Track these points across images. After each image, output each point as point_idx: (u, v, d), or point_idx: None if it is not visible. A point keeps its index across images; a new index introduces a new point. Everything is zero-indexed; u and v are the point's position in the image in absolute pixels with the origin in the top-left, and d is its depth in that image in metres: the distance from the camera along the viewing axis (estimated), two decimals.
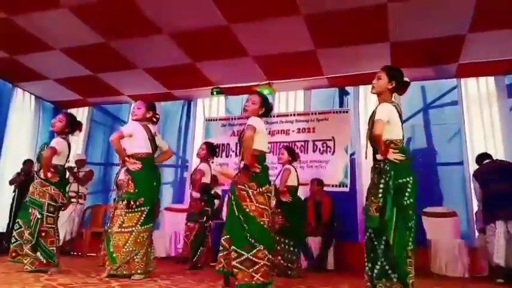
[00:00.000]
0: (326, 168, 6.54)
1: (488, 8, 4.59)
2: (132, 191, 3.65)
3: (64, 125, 4.09)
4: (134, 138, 3.80)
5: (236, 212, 3.18)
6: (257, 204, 3.14)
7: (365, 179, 6.34)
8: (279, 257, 4.49)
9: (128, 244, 3.53)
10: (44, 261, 3.73)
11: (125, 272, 3.47)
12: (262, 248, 3.03)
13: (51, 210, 3.87)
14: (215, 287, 3.22)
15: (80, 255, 6.45)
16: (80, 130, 4.36)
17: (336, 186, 6.38)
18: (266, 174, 3.31)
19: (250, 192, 3.17)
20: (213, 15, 5.01)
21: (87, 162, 7.34)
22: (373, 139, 2.91)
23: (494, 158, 5.33)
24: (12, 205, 6.37)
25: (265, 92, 6.33)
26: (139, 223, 3.60)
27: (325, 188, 6.06)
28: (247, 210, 3.12)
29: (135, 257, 3.52)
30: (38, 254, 3.74)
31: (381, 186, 2.79)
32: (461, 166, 6.19)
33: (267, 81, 6.84)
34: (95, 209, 7.09)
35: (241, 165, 3.28)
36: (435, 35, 5.22)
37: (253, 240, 3.04)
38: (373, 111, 3.00)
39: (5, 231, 6.33)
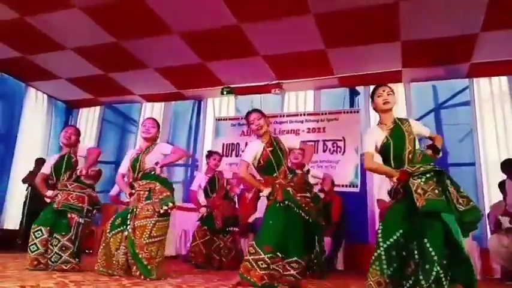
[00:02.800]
0: (336, 168, 6.52)
1: (501, 7, 4.53)
2: (169, 195, 3.67)
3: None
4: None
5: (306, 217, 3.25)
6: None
7: (376, 179, 6.31)
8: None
9: (159, 254, 3.53)
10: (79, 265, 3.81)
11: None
12: None
13: (89, 215, 3.96)
14: (226, 286, 3.23)
15: (91, 253, 6.51)
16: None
17: (346, 186, 6.36)
18: None
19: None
20: (223, 14, 5.02)
21: (97, 161, 7.38)
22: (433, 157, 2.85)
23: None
24: (25, 203, 6.46)
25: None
26: (167, 231, 3.65)
27: (335, 188, 6.03)
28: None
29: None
30: (77, 259, 3.80)
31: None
32: (473, 167, 6.12)
33: (277, 81, 6.83)
34: (106, 207, 7.14)
35: (298, 172, 3.49)
36: (447, 34, 5.17)
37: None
38: (403, 124, 2.91)
39: (18, 228, 6.43)
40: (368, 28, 5.17)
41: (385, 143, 2.85)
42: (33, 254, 3.70)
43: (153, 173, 3.70)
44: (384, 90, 2.96)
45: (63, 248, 3.74)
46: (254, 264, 3.07)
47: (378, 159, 2.93)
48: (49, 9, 5.13)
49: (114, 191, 5.43)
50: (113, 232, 3.57)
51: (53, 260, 3.73)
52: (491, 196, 5.69)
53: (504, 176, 5.49)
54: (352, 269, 5.62)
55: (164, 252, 3.66)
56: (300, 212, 3.24)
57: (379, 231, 2.76)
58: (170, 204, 3.57)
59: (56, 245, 3.75)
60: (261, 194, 3.30)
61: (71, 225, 3.80)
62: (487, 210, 5.50)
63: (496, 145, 5.98)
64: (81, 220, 3.83)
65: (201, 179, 5.38)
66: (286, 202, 3.22)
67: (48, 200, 3.94)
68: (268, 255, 3.06)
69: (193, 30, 5.49)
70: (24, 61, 6.57)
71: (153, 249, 3.46)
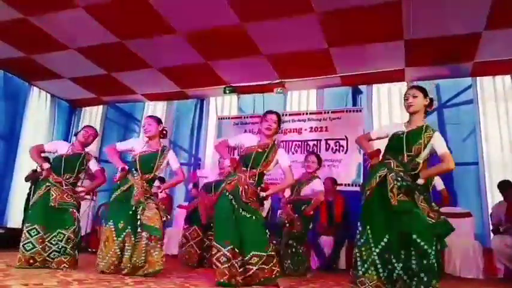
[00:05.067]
0: (339, 167, 6.51)
1: (505, 5, 4.51)
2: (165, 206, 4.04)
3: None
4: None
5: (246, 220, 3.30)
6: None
7: None
8: (289, 261, 4.54)
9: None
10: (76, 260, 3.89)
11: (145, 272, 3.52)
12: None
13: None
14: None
15: (94, 252, 6.52)
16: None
17: (349, 185, 6.35)
18: None
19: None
20: (226, 14, 5.02)
21: (99, 160, 7.42)
22: (432, 171, 3.06)
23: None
24: (27, 201, 6.48)
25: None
26: None
27: (337, 188, 6.03)
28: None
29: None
30: (76, 252, 3.89)
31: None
32: (476, 166, 6.09)
33: (280, 80, 6.83)
34: (109, 206, 7.16)
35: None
36: (450, 32, 5.15)
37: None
38: (425, 134, 2.96)
39: (20, 227, 6.45)
40: (371, 27, 5.16)
41: (398, 135, 3.01)
42: (29, 252, 3.70)
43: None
44: (409, 94, 3.05)
45: (68, 240, 3.84)
46: (217, 262, 3.11)
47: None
48: (53, 9, 5.15)
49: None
50: (121, 237, 3.57)
51: (52, 256, 3.78)
52: (494, 195, 5.67)
53: (506, 176, 5.49)
54: None
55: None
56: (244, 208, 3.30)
57: (368, 235, 2.88)
58: (169, 217, 3.86)
59: (61, 240, 3.82)
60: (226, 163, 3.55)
61: (73, 219, 3.91)
62: (490, 210, 5.48)
63: (500, 144, 5.96)
64: (79, 215, 3.94)
65: (213, 174, 5.37)
66: (231, 197, 3.28)
67: (43, 172, 3.96)
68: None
69: (196, 29, 5.49)
70: (28, 61, 6.60)
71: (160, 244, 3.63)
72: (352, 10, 4.83)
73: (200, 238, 5.13)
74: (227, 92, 7.21)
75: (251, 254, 3.14)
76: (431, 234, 2.70)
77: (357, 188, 6.32)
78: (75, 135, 4.30)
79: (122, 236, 3.55)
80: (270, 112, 3.59)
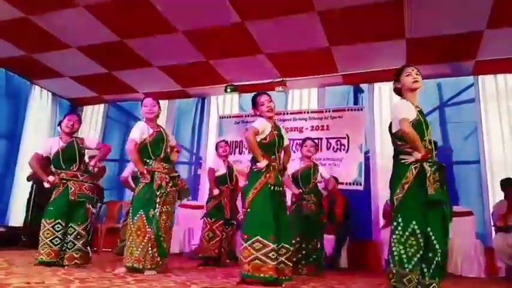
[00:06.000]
0: (340, 166, 6.51)
1: (507, 3, 4.49)
2: (187, 187, 4.12)
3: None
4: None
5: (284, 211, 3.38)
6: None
7: (380, 177, 6.30)
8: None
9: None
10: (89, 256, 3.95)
11: (140, 267, 3.51)
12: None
13: (94, 205, 4.10)
14: (230, 283, 3.24)
15: (95, 251, 6.54)
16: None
17: (350, 184, 6.35)
18: None
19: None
20: (227, 12, 5.02)
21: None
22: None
23: None
24: (29, 200, 6.49)
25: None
26: None
27: (339, 186, 6.03)
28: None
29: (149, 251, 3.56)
30: (89, 248, 3.94)
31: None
32: (477, 165, 6.08)
33: (281, 79, 6.83)
34: (111, 205, 7.19)
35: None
36: (452, 31, 5.14)
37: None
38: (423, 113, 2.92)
39: (22, 225, 6.46)
40: (372, 25, 5.15)
41: (417, 120, 2.81)
42: (57, 246, 3.79)
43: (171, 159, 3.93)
44: (412, 70, 2.94)
45: (78, 237, 3.87)
46: (265, 258, 3.07)
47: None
48: (54, 8, 5.14)
49: (126, 172, 5.36)
50: (153, 225, 3.60)
51: (69, 246, 3.86)
52: (496, 194, 5.66)
53: (508, 174, 5.48)
54: (356, 267, 5.62)
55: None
56: (284, 199, 3.44)
57: (414, 230, 2.68)
58: (190, 198, 3.74)
59: (70, 234, 3.87)
60: (258, 164, 3.30)
61: (87, 215, 3.94)
62: (492, 209, 5.48)
63: (501, 143, 5.95)
64: (93, 210, 3.99)
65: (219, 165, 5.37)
66: (275, 188, 3.31)
67: (47, 185, 3.95)
68: (275, 245, 3.12)
69: (197, 28, 5.49)
70: (29, 59, 6.60)
71: (170, 235, 3.77)
72: (354, 8, 4.82)
73: (225, 234, 5.19)
74: (228, 90, 7.21)
75: (281, 244, 3.21)
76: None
77: (358, 187, 6.33)
78: (59, 125, 4.23)
79: (153, 223, 3.58)
80: (259, 95, 3.58)
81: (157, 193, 3.64)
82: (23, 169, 7.17)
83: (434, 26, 5.08)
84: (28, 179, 6.67)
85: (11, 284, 2.43)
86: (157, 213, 3.60)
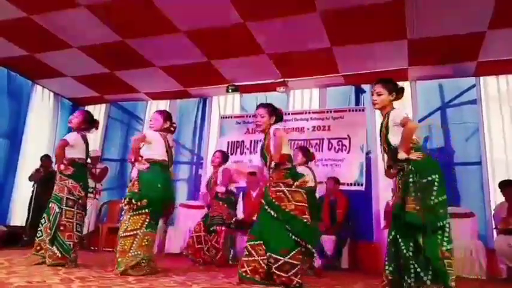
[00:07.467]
0: (341, 166, 6.51)
1: (509, 4, 4.48)
2: (136, 190, 3.64)
3: (80, 121, 4.21)
4: (152, 147, 3.81)
5: (274, 214, 3.22)
6: (295, 203, 3.21)
7: (381, 178, 6.29)
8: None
9: (132, 248, 3.50)
10: (59, 255, 3.77)
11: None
12: (299, 250, 3.15)
13: (70, 204, 3.94)
14: (230, 283, 3.24)
15: (96, 250, 6.55)
16: (97, 128, 4.44)
17: (351, 184, 6.34)
18: (296, 170, 3.47)
19: (287, 191, 3.23)
20: (228, 13, 5.02)
21: (102, 158, 7.44)
22: (403, 140, 2.87)
23: None
24: (31, 200, 6.51)
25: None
26: (144, 226, 3.58)
27: (340, 187, 6.03)
28: (287, 210, 3.18)
29: (141, 262, 3.50)
30: (54, 247, 3.79)
31: (411, 184, 2.75)
32: (479, 166, 6.07)
33: (282, 79, 6.83)
34: (111, 205, 7.20)
35: (272, 165, 3.32)
36: (453, 32, 5.13)
37: (298, 239, 3.14)
38: (384, 121, 3.06)
39: (24, 225, 6.48)
40: (374, 26, 5.14)
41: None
42: (38, 239, 3.95)
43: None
44: (374, 90, 3.18)
45: (46, 235, 3.89)
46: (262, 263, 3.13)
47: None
48: (56, 8, 5.15)
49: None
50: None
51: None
52: (497, 195, 5.64)
53: (509, 176, 5.47)
54: (357, 268, 5.61)
55: (147, 248, 3.59)
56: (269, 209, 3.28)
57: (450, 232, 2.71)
58: (131, 200, 3.57)
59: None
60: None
61: (51, 214, 3.94)
62: (493, 210, 5.46)
63: (503, 144, 5.94)
64: (57, 210, 3.91)
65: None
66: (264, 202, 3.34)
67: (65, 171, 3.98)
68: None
69: (198, 28, 5.49)
70: (31, 59, 6.61)
71: (126, 243, 3.50)
72: (355, 9, 4.81)
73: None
74: (230, 91, 7.20)
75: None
76: None
77: (360, 188, 6.32)
78: (70, 122, 4.31)
79: None
80: (257, 107, 3.59)
81: None
82: (25, 168, 7.19)
83: (436, 27, 5.07)
84: (30, 179, 6.69)
85: (13, 283, 2.44)
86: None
